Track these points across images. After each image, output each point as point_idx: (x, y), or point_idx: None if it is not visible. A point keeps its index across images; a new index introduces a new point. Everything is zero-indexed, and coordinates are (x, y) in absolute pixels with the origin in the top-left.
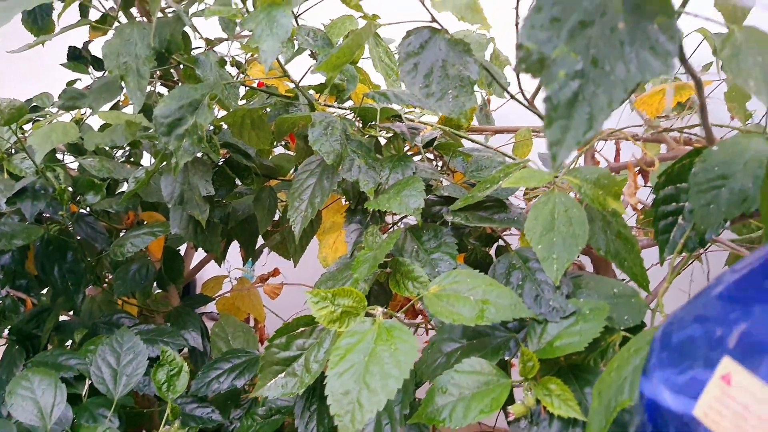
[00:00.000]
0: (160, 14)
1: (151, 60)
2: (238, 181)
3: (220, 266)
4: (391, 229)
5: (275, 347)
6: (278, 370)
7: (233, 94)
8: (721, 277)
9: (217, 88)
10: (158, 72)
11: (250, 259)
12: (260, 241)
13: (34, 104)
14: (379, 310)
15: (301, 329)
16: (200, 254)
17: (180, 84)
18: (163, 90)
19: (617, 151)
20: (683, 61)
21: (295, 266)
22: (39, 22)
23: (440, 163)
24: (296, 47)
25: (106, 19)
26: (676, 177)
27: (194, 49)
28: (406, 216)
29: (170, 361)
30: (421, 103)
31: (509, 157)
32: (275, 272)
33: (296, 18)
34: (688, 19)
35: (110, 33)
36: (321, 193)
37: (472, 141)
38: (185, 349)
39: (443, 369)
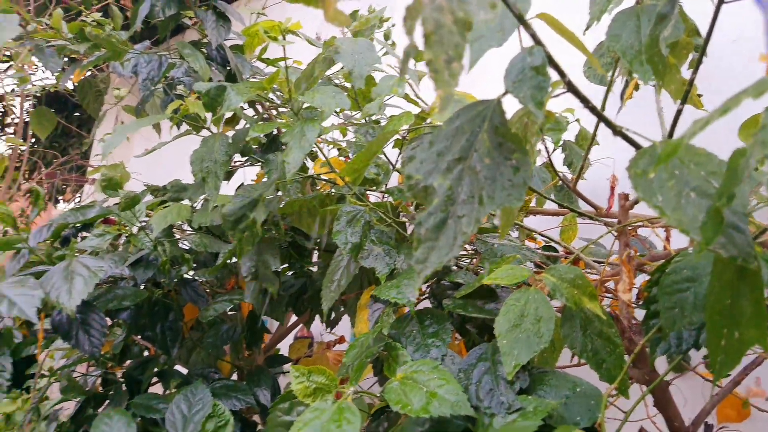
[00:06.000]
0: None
1: (226, 164)
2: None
3: (308, 329)
4: (407, 311)
5: (279, 411)
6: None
7: (294, 189)
8: None
9: (271, 187)
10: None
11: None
12: None
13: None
14: (350, 390)
15: None
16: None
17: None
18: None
19: (667, 237)
20: None
21: (355, 336)
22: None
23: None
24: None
25: (233, 119)
26: None
27: None
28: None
29: (219, 414)
30: None
31: (555, 242)
32: (341, 339)
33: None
34: None
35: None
36: (346, 276)
37: (521, 226)
38: None
39: None
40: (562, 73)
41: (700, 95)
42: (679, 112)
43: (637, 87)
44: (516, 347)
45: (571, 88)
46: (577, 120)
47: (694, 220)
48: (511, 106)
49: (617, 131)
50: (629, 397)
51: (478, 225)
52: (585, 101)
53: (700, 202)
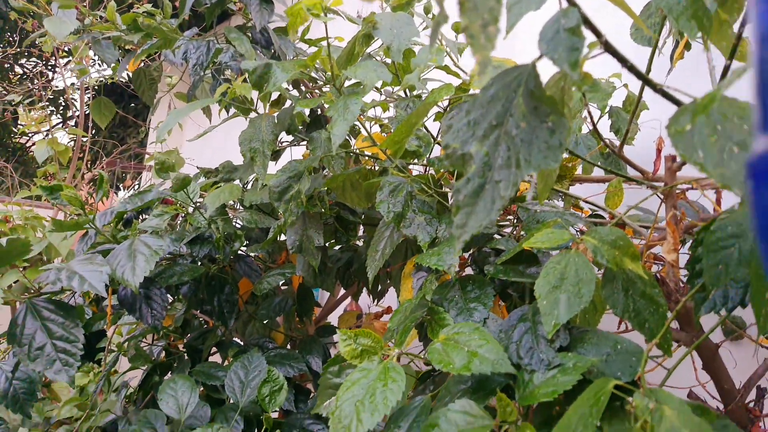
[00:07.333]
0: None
1: (273, 143)
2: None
3: (356, 301)
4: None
5: (330, 374)
6: (331, 393)
7: (338, 163)
8: None
9: (316, 161)
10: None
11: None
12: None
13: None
14: (395, 351)
15: None
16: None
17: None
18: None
19: (718, 200)
20: None
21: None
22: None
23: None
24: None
25: (279, 100)
26: None
27: None
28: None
29: (274, 379)
30: None
31: (599, 207)
32: (388, 310)
33: (405, 92)
34: None
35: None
36: (390, 244)
37: (566, 194)
38: None
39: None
40: (598, 34)
41: None
42: (726, 68)
43: (688, 47)
44: (556, 307)
45: (608, 48)
46: (625, 85)
47: (737, 175)
48: (549, 71)
49: (657, 89)
50: (671, 354)
51: (516, 189)
52: (623, 61)
53: (743, 155)
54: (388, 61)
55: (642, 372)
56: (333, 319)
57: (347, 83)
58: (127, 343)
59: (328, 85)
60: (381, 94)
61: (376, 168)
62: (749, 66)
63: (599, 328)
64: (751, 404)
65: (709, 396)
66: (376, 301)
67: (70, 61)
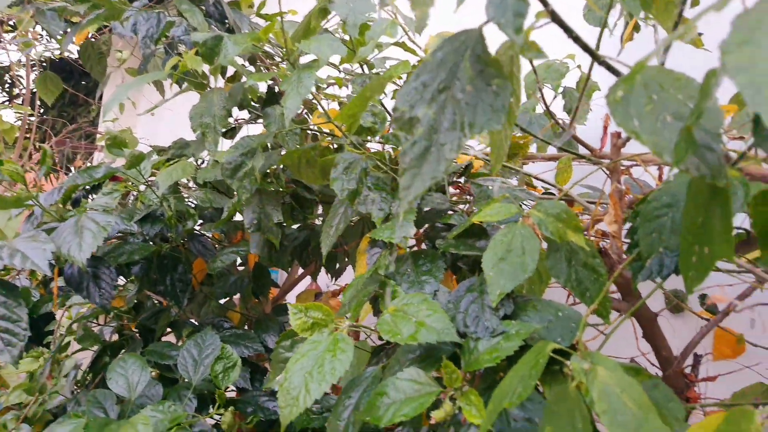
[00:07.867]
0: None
1: (225, 119)
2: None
3: (315, 280)
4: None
5: (281, 348)
6: (283, 367)
7: (293, 139)
8: None
9: (270, 137)
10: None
11: None
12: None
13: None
14: (345, 324)
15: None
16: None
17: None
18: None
19: (660, 176)
20: None
21: None
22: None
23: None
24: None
25: (235, 77)
26: None
27: None
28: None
29: (227, 356)
30: None
31: (549, 184)
32: (345, 288)
33: (364, 64)
34: None
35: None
36: (344, 221)
37: (518, 171)
38: None
39: None
40: (545, 2)
41: (701, 34)
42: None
43: (637, 28)
44: (502, 278)
45: (555, 18)
46: (578, 66)
47: (669, 143)
48: (498, 39)
49: (599, 60)
50: (609, 321)
51: (460, 151)
52: (568, 31)
53: (676, 125)
54: (346, 37)
55: (580, 336)
56: (291, 298)
57: (303, 59)
58: (76, 324)
59: (286, 62)
60: (340, 72)
61: (334, 146)
62: (674, 34)
63: (543, 298)
64: (688, 370)
65: (650, 364)
66: (334, 279)
67: (15, 36)
